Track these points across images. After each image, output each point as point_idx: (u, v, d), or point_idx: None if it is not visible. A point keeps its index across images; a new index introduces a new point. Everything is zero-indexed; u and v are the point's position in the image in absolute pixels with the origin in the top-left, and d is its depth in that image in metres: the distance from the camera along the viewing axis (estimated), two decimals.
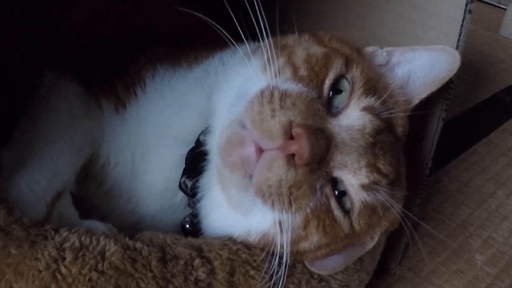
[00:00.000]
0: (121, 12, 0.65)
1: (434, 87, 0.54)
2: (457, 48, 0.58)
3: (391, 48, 0.55)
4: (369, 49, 0.55)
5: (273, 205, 0.44)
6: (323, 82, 0.47)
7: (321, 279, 0.51)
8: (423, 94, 0.53)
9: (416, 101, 0.53)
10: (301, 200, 0.44)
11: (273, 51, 0.48)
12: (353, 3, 0.70)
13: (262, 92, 0.45)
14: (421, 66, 0.54)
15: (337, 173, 0.45)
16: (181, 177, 0.53)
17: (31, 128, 0.53)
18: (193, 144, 0.53)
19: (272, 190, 0.43)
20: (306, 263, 0.50)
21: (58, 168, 0.52)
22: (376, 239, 0.51)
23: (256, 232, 0.48)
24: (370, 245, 0.52)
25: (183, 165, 0.53)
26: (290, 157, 0.42)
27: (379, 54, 0.54)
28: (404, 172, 0.53)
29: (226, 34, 0.49)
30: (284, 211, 0.44)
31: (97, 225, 0.50)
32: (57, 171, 0.52)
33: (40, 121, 0.53)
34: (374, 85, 0.49)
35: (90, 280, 0.43)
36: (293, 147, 0.41)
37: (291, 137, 0.42)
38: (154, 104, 0.55)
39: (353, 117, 0.46)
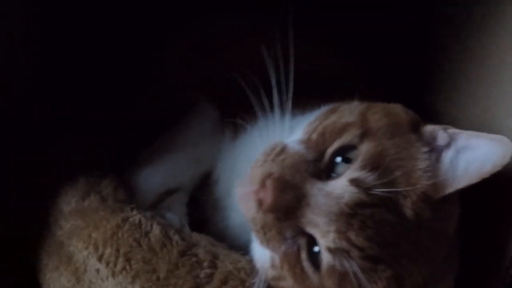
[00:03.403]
0: None
1: (475, 179, 0.53)
2: None
3: (457, 130, 0.57)
4: (428, 128, 0.58)
5: (258, 240, 0.56)
6: (326, 148, 0.55)
7: None
8: (461, 184, 0.54)
9: (450, 189, 0.54)
10: (272, 241, 0.54)
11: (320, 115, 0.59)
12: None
13: (271, 145, 0.56)
14: (474, 154, 0.54)
15: (310, 230, 0.52)
16: None
17: (168, 137, 0.76)
18: None
19: (253, 225, 0.54)
20: None
21: (174, 172, 0.73)
22: None
23: (262, 260, 0.59)
24: None
25: None
26: (260, 202, 0.52)
27: (440, 135, 0.57)
28: (418, 256, 0.54)
29: None
30: (265, 247, 0.55)
31: (173, 220, 0.69)
32: (172, 174, 0.73)
33: (176, 133, 0.76)
34: (384, 162, 0.53)
35: (130, 246, 0.61)
36: (261, 194, 0.52)
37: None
38: (254, 140, 0.69)
39: (337, 186, 0.52)
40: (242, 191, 0.56)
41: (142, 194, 0.70)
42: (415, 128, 0.58)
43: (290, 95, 0.60)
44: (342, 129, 0.56)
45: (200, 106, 0.78)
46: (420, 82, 0.82)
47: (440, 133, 0.57)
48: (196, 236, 0.65)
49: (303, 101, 0.66)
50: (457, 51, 0.75)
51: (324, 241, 0.51)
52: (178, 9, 0.87)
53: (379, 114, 0.58)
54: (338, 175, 0.54)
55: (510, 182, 0.64)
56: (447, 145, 0.56)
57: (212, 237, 0.67)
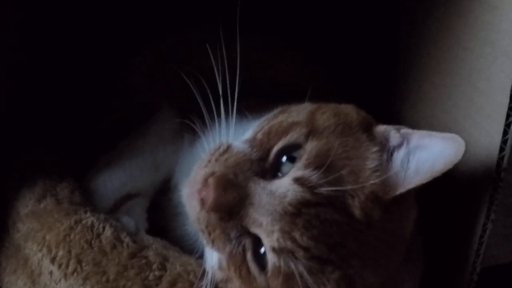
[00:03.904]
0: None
1: (426, 179, 0.53)
2: None
3: (410, 130, 0.57)
4: (380, 128, 0.58)
5: (204, 241, 0.56)
6: (271, 147, 0.55)
7: None
8: (412, 184, 0.54)
9: (402, 189, 0.53)
10: (217, 241, 0.54)
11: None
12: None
13: (217, 146, 0.56)
14: (427, 153, 0.54)
15: (254, 230, 0.52)
16: None
17: (128, 143, 0.75)
18: None
19: (197, 225, 0.55)
20: None
21: (133, 177, 0.73)
22: None
23: (211, 262, 0.58)
24: None
25: None
26: (202, 201, 0.52)
27: (392, 135, 0.57)
28: (366, 257, 0.53)
29: None
30: (211, 248, 0.55)
31: (128, 223, 0.68)
32: (131, 179, 0.72)
33: (136, 139, 0.76)
34: (329, 161, 0.52)
35: (82, 249, 0.61)
36: (203, 192, 0.52)
37: None
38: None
39: (281, 185, 0.52)
40: (187, 191, 0.55)
41: (100, 198, 0.70)
42: (367, 128, 0.58)
43: (235, 99, 0.59)
44: (288, 128, 0.56)
45: (161, 112, 0.78)
46: (384, 88, 0.82)
47: (392, 133, 0.57)
48: (148, 239, 0.64)
49: (260, 106, 0.66)
50: (421, 55, 0.75)
51: (269, 241, 0.51)
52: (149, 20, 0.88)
53: (328, 113, 0.58)
54: (284, 175, 0.53)
55: (474, 183, 0.63)
56: (399, 145, 0.56)
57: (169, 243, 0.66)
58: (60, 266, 0.61)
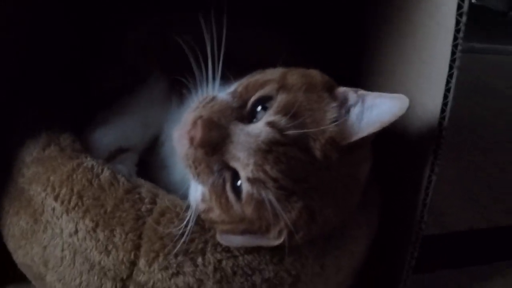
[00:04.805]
0: None
1: (376, 128, 0.64)
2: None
3: (365, 92, 0.67)
4: (341, 89, 0.69)
5: (191, 176, 0.66)
6: (249, 98, 0.66)
7: (228, 250, 0.67)
8: (364, 133, 0.65)
9: (355, 137, 0.65)
10: (202, 174, 0.65)
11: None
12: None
13: (203, 97, 0.67)
14: (377, 110, 0.65)
15: (233, 164, 0.63)
16: None
17: (122, 102, 0.86)
18: None
19: (185, 162, 0.65)
20: (216, 232, 0.66)
21: (125, 133, 0.83)
22: (280, 238, 0.65)
23: (195, 197, 0.69)
24: (274, 241, 0.65)
25: None
26: (191, 139, 0.63)
27: (350, 96, 0.68)
28: (327, 192, 0.65)
29: None
30: (197, 182, 0.66)
31: (122, 169, 0.78)
32: (124, 134, 0.83)
33: (129, 99, 0.87)
34: (295, 110, 0.63)
35: (83, 185, 0.71)
36: (192, 132, 0.62)
37: None
38: None
39: (256, 127, 0.63)
40: (178, 133, 0.66)
41: (96, 150, 0.80)
42: (329, 89, 0.69)
43: (220, 63, 0.70)
44: (264, 84, 0.68)
45: (152, 78, 0.89)
46: (349, 65, 0.93)
47: (350, 93, 0.68)
48: (140, 180, 0.75)
49: (240, 72, 0.77)
50: (385, 32, 0.86)
51: (245, 172, 0.62)
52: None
53: (297, 75, 0.70)
54: (258, 120, 0.64)
55: (420, 140, 0.74)
56: (356, 104, 0.67)
57: None
58: (62, 202, 0.71)
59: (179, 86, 0.84)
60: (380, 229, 0.82)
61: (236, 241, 0.67)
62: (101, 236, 0.68)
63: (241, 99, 0.67)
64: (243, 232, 0.66)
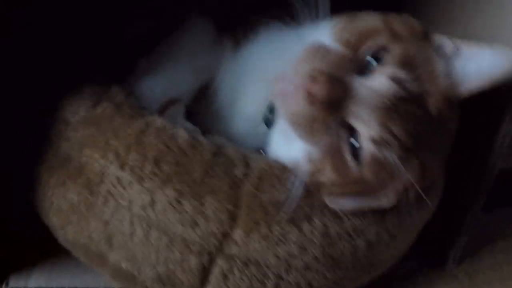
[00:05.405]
0: None
1: (484, 85, 0.61)
2: None
3: (460, 41, 0.63)
4: (438, 37, 0.64)
5: (299, 135, 0.59)
6: (359, 48, 0.60)
7: (336, 214, 0.62)
8: (471, 88, 0.62)
9: (463, 91, 0.62)
10: (316, 134, 0.58)
11: (343, 19, 0.63)
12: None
13: (311, 46, 0.60)
14: (480, 63, 0.61)
15: (352, 122, 0.58)
16: (266, 111, 0.70)
17: (167, 47, 0.76)
18: None
19: (295, 120, 0.58)
20: (323, 194, 0.60)
21: (175, 81, 0.74)
22: (391, 198, 0.61)
23: (292, 158, 0.63)
24: (385, 202, 0.62)
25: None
26: (310, 95, 0.56)
27: (447, 45, 0.64)
28: (436, 149, 0.62)
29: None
30: (306, 142, 0.59)
31: (187, 125, 0.70)
32: (174, 83, 0.74)
33: (175, 44, 0.76)
34: (412, 62, 0.59)
35: (158, 151, 0.60)
36: (312, 87, 0.55)
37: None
38: (260, 48, 0.73)
39: (377, 81, 0.57)
40: (283, 87, 0.58)
41: (147, 103, 0.70)
42: (426, 36, 0.65)
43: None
44: (373, 32, 0.62)
45: (193, 21, 0.78)
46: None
47: (447, 42, 0.64)
48: (218, 138, 0.66)
49: None
50: None
51: (368, 132, 0.57)
52: None
53: (399, 22, 0.64)
54: (371, 73, 0.59)
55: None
56: (455, 53, 0.63)
57: None
58: (132, 170, 0.61)
59: (232, 29, 0.76)
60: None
61: (348, 204, 0.62)
62: (187, 206, 0.60)
63: (351, 48, 0.60)
64: (354, 194, 0.61)
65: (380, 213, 0.64)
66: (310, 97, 0.56)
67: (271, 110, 0.69)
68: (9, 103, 0.67)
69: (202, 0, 0.80)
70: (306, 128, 0.58)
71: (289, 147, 0.63)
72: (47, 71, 0.69)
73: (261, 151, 0.70)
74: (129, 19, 0.79)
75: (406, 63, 0.59)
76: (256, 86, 0.72)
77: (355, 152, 0.58)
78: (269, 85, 0.69)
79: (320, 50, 0.59)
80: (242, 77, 0.74)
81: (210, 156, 0.62)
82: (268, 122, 0.70)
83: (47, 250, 0.77)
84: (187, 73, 0.74)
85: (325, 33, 0.63)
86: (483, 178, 0.76)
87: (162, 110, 0.71)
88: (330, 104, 0.56)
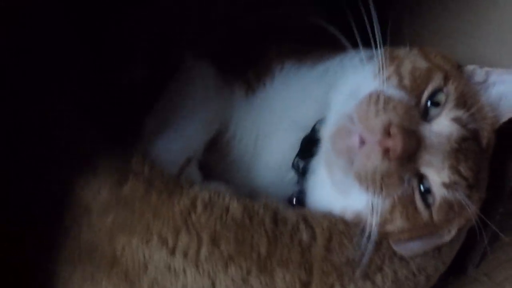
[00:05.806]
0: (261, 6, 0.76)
1: None
2: None
3: (490, 68, 0.63)
4: (470, 67, 0.64)
5: (367, 189, 0.56)
6: (422, 92, 0.58)
7: (402, 258, 0.60)
8: (508, 116, 0.62)
9: (504, 118, 0.62)
10: (390, 187, 0.55)
11: (385, 60, 0.58)
12: (463, 24, 0.77)
13: (370, 95, 0.56)
14: None
15: (424, 170, 0.56)
16: (295, 158, 0.65)
17: (170, 101, 0.67)
18: (309, 131, 0.64)
19: (368, 176, 0.55)
20: (390, 242, 0.58)
21: (189, 139, 0.66)
22: (453, 233, 0.61)
23: (351, 211, 0.59)
24: (447, 237, 0.61)
25: (298, 148, 0.65)
26: (386, 151, 0.53)
27: (478, 73, 0.63)
28: (485, 179, 0.61)
29: (346, 41, 0.58)
30: (376, 195, 0.56)
31: (221, 187, 0.62)
32: (188, 141, 0.66)
33: (179, 96, 0.68)
34: (466, 99, 0.58)
35: (214, 229, 0.53)
36: (389, 143, 0.52)
37: (389, 135, 0.53)
38: (280, 93, 0.67)
39: (442, 125, 0.56)
40: (350, 143, 0.54)
41: (165, 167, 0.61)
42: (459, 68, 0.63)
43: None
44: (429, 73, 0.59)
45: (191, 62, 0.70)
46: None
47: (478, 71, 0.63)
48: (218, 185, 0.61)
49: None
50: None
51: (439, 177, 0.56)
52: None
53: (441, 58, 0.63)
54: (432, 117, 0.57)
55: None
56: (486, 81, 0.62)
57: None
58: (186, 255, 0.53)
59: (241, 73, 0.69)
60: None
61: (415, 246, 0.60)
62: (255, 284, 0.54)
63: (415, 94, 0.57)
64: (421, 237, 0.59)
65: (438, 247, 0.63)
66: (388, 153, 0.52)
67: (303, 155, 0.65)
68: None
69: (196, 41, 0.71)
70: (379, 183, 0.54)
71: (344, 199, 0.59)
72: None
73: (294, 200, 0.65)
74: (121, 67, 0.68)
75: (461, 101, 0.58)
76: (281, 133, 0.66)
77: (424, 197, 0.57)
78: (297, 131, 0.64)
79: (382, 99, 0.55)
80: (263, 125, 0.67)
81: (272, 224, 0.56)
82: (299, 169, 0.65)
83: None
84: (200, 126, 0.66)
85: (370, 76, 0.60)
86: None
87: (180, 173, 0.63)
88: (408, 157, 0.53)
